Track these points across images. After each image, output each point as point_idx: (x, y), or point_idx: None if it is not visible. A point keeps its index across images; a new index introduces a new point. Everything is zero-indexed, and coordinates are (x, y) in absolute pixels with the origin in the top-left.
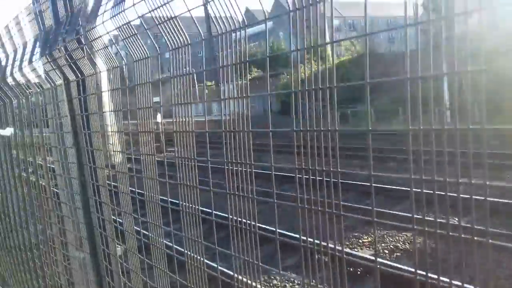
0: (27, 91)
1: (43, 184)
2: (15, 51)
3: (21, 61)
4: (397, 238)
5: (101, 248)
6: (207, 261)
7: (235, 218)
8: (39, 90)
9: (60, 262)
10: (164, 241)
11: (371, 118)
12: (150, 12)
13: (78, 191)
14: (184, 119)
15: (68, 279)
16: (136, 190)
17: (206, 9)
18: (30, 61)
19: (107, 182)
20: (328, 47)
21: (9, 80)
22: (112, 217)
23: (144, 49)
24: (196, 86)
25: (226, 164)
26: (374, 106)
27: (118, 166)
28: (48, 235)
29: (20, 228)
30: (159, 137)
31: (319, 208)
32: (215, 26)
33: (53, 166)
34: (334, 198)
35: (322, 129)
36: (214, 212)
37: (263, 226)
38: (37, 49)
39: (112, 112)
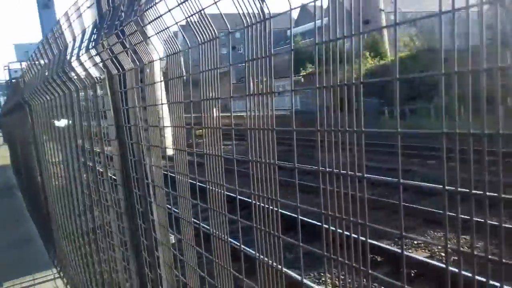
0: (87, 81)
1: (101, 171)
2: (74, 40)
3: (79, 49)
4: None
5: (153, 237)
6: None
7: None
8: (97, 80)
9: (117, 247)
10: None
11: (432, 115)
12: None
13: (121, 183)
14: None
15: (125, 266)
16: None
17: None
18: (88, 49)
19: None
20: (386, 43)
21: (75, 64)
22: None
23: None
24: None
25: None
26: (435, 103)
27: (175, 157)
28: (105, 221)
29: (83, 213)
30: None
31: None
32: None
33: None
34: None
35: (347, 129)
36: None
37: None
38: (94, 37)
39: (167, 104)
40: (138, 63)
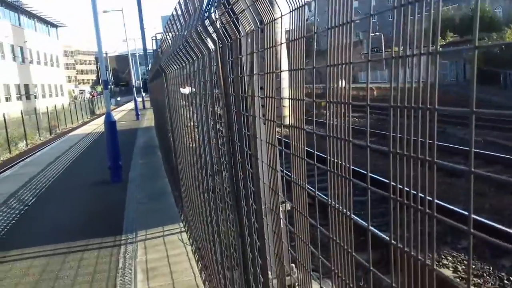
0: (205, 51)
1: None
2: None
3: (203, 18)
4: None
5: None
6: None
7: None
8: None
9: (225, 210)
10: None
11: None
12: None
13: (226, 149)
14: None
15: (230, 227)
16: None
17: None
18: (203, 21)
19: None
20: None
21: (195, 35)
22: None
23: None
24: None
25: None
26: None
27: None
28: (218, 183)
29: (206, 177)
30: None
31: None
32: None
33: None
34: None
35: None
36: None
37: None
38: (208, 7)
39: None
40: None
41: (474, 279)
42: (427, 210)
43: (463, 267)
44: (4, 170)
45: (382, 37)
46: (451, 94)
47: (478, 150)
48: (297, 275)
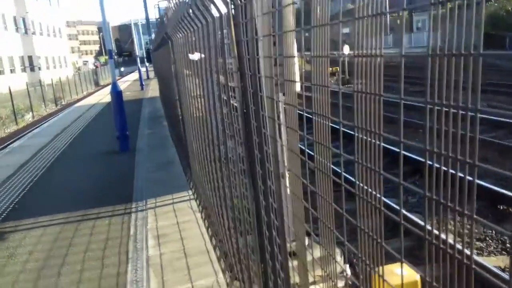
0: (231, 3)
1: (235, 105)
2: None
3: None
4: None
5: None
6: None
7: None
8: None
9: (237, 175)
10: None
11: None
12: None
13: (241, 114)
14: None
15: (243, 192)
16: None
17: None
18: None
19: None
20: None
21: None
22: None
23: None
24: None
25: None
26: None
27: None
28: (235, 151)
29: (217, 144)
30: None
31: None
32: None
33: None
34: None
35: None
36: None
37: None
38: None
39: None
40: None
41: (477, 243)
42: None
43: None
44: (12, 142)
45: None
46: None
47: (484, 115)
48: (320, 236)
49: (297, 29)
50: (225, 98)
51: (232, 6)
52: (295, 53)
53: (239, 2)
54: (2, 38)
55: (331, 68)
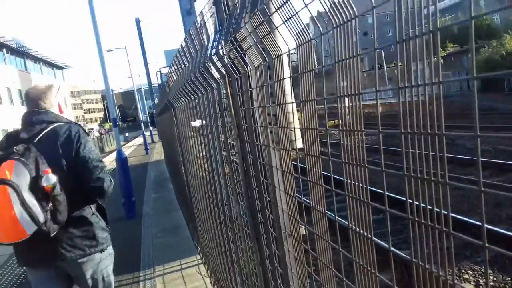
0: (213, 84)
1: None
2: (201, 48)
3: (210, 54)
4: None
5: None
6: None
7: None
8: (220, 83)
9: (243, 239)
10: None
11: None
12: None
13: (243, 179)
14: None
15: (250, 256)
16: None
17: None
18: (210, 57)
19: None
20: None
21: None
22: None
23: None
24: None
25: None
26: None
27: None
28: (241, 213)
29: (221, 204)
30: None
31: None
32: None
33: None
34: None
35: None
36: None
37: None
38: (215, 44)
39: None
40: (263, 60)
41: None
42: (444, 228)
43: (485, 280)
44: None
45: (383, 53)
46: (455, 104)
47: (487, 159)
48: None
49: (293, 102)
50: (227, 162)
51: (229, 78)
52: (295, 118)
53: (235, 75)
54: (8, 112)
55: (333, 121)
